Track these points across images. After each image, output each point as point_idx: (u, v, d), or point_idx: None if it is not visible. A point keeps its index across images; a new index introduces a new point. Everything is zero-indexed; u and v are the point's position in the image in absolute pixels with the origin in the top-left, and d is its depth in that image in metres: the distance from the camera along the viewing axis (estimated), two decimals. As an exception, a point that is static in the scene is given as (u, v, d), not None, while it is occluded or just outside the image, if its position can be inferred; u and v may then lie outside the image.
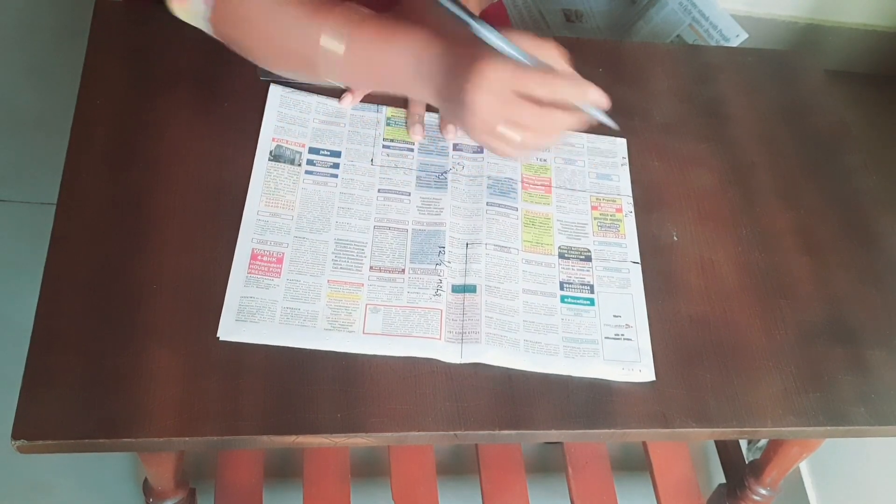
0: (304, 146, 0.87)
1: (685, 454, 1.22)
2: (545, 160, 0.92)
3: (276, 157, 0.86)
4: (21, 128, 1.71)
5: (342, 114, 0.91)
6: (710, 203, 0.92)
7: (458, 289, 0.81)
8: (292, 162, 0.86)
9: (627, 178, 0.93)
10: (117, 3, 0.92)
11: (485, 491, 1.18)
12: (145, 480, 0.99)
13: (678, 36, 1.58)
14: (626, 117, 0.97)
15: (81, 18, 0.93)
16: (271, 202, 0.82)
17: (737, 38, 1.50)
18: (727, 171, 0.96)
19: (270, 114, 0.88)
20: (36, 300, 0.73)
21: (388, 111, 0.92)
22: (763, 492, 1.10)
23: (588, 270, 0.85)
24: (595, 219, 0.89)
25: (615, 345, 0.80)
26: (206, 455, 1.30)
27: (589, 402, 0.76)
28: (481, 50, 0.68)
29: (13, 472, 1.30)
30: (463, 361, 0.76)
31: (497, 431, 0.74)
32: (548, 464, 1.40)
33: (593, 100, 0.69)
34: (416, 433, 0.73)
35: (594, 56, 0.95)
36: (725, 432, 0.78)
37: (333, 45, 0.74)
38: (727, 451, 1.25)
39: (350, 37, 0.74)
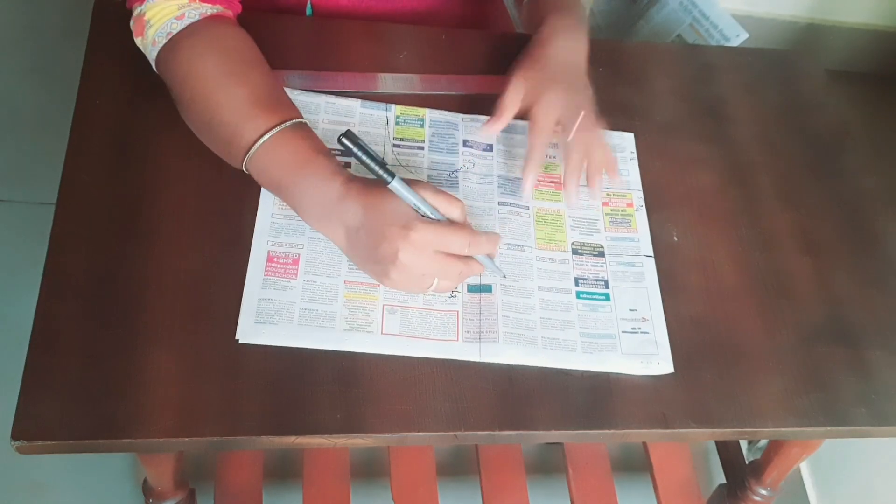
0: None
1: (685, 454, 1.22)
2: (554, 157, 0.92)
3: None
4: (21, 128, 1.71)
5: (351, 112, 0.90)
6: (711, 203, 0.92)
7: (473, 289, 0.80)
8: None
9: (637, 172, 0.93)
10: (117, 3, 0.92)
11: (485, 491, 1.18)
12: (145, 480, 0.99)
13: (678, 35, 1.58)
14: (626, 117, 0.97)
15: (81, 18, 0.93)
16: (286, 205, 0.81)
17: (737, 37, 1.50)
18: (727, 172, 0.95)
19: None
20: (36, 300, 0.73)
21: (396, 109, 0.91)
22: (763, 492, 1.11)
23: (602, 266, 0.85)
24: (607, 214, 0.89)
25: (632, 338, 0.80)
26: (206, 455, 1.30)
27: (589, 402, 0.76)
28: (390, 202, 0.74)
29: (13, 472, 1.30)
30: (482, 360, 0.76)
31: (497, 432, 0.73)
32: (548, 464, 1.40)
33: (490, 253, 0.78)
34: (416, 434, 0.72)
35: (594, 56, 0.95)
36: (725, 433, 0.78)
37: (252, 135, 0.76)
38: (727, 451, 1.25)
39: (273, 139, 0.76)
